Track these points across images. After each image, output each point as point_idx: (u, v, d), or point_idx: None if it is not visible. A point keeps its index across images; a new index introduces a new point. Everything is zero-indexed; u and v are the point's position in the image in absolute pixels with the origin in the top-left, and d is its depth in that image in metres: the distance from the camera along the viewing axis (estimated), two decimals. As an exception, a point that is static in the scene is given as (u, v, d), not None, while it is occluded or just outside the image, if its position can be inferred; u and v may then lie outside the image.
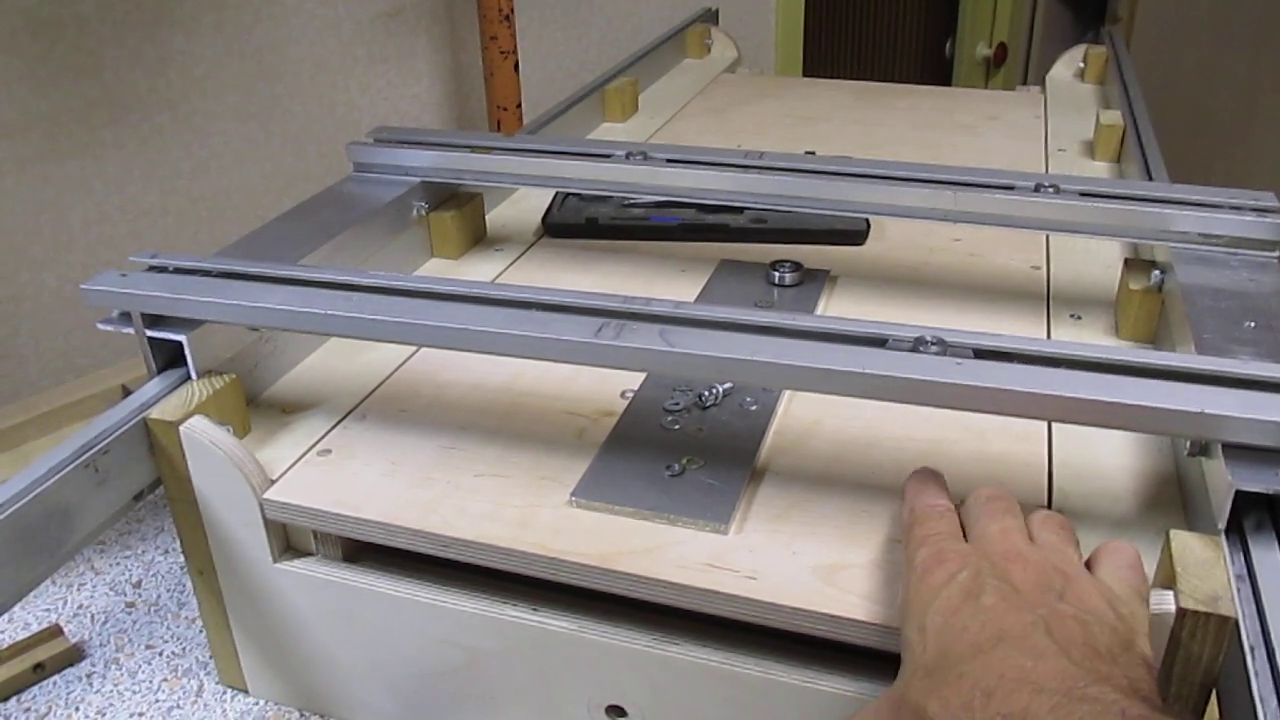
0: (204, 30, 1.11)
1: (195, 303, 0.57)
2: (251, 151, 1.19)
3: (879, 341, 0.51)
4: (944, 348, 0.50)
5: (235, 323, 0.59)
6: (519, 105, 1.35)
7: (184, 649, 0.68)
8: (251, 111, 1.18)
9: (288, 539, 0.59)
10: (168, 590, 0.73)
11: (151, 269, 0.61)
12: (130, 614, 0.71)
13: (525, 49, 1.43)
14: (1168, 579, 0.43)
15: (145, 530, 0.78)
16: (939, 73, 2.59)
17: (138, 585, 0.73)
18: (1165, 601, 0.41)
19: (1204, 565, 0.42)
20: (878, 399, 0.50)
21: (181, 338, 0.58)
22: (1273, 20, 2.00)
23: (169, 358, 0.60)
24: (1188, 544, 0.43)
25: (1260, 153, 2.04)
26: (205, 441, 0.56)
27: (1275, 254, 0.64)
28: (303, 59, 1.22)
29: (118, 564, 0.75)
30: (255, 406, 0.63)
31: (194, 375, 0.59)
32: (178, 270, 0.61)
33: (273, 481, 0.57)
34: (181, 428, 0.56)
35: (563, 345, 0.53)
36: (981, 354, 0.50)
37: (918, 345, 0.50)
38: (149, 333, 0.59)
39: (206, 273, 0.61)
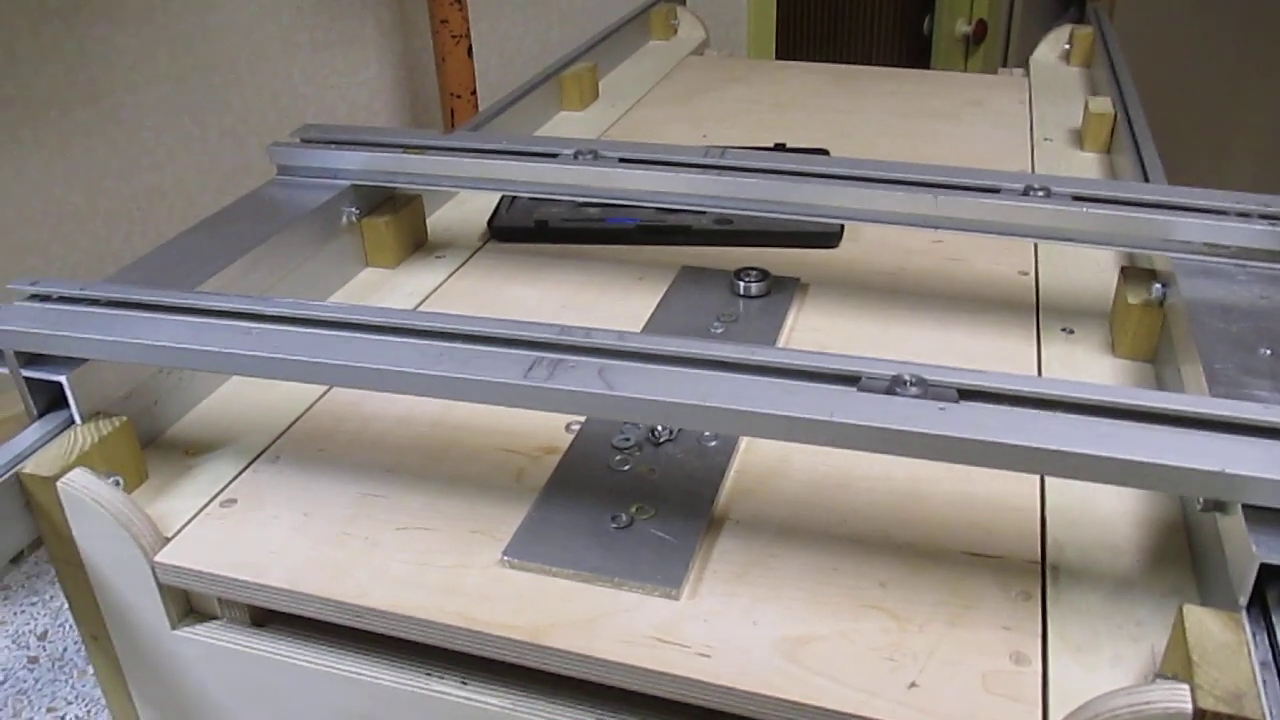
0: (128, 18, 1.03)
1: (75, 340, 0.51)
2: (185, 147, 1.12)
3: (851, 379, 0.45)
4: (924, 388, 0.44)
5: (120, 360, 0.52)
6: (474, 92, 1.28)
7: (89, 711, 0.61)
8: (184, 104, 1.10)
9: (189, 602, 0.52)
10: (74, 643, 0.66)
11: (33, 298, 0.55)
12: (33, 670, 0.64)
13: (481, 31, 1.36)
14: (1181, 666, 0.37)
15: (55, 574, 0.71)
16: (917, 50, 2.52)
17: (43, 637, 0.66)
18: (1179, 698, 0.35)
19: (1224, 651, 0.36)
20: (849, 449, 0.43)
21: (61, 378, 0.51)
22: (1262, 3, 1.94)
23: (51, 399, 0.53)
24: (1204, 625, 0.37)
25: (1242, 138, 1.98)
26: (86, 499, 0.49)
27: (1287, 264, 0.58)
28: (239, 47, 1.14)
29: (22, 612, 0.68)
30: (155, 447, 0.57)
31: (78, 419, 0.52)
32: (62, 299, 0.54)
33: (168, 540, 0.50)
34: (59, 483, 0.49)
35: (487, 387, 0.46)
36: (966, 394, 0.44)
37: (894, 385, 0.44)
38: (24, 372, 0.52)
39: (94, 301, 0.54)
